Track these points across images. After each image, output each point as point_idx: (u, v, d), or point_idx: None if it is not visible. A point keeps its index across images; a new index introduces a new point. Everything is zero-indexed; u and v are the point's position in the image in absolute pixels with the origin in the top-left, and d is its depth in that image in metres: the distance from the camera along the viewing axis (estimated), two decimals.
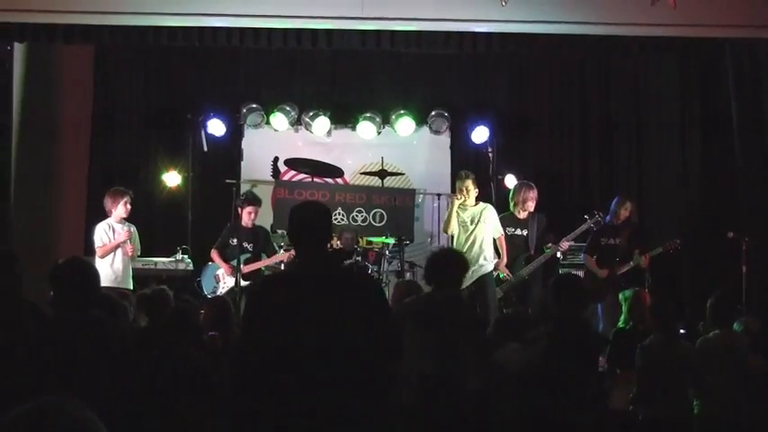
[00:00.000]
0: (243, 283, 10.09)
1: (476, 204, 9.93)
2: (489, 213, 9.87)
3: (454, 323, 5.88)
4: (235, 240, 10.46)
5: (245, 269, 10.16)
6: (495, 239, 9.88)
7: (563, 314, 6.08)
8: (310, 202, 5.01)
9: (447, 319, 5.89)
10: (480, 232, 9.73)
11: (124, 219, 9.88)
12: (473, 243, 9.63)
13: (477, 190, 9.92)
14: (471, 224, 9.76)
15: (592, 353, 6.32)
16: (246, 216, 10.48)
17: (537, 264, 10.00)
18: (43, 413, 2.04)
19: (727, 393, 6.67)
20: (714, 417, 6.66)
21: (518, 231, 10.19)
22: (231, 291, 10.05)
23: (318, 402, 4.10)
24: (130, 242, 9.80)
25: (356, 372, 4.18)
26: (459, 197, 9.86)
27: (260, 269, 10.36)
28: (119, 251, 9.73)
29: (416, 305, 6.18)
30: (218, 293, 10.04)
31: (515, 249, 10.08)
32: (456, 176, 10.33)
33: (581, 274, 10.51)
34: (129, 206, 9.87)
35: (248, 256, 10.32)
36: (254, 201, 10.58)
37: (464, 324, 5.93)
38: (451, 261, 6.35)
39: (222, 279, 10.47)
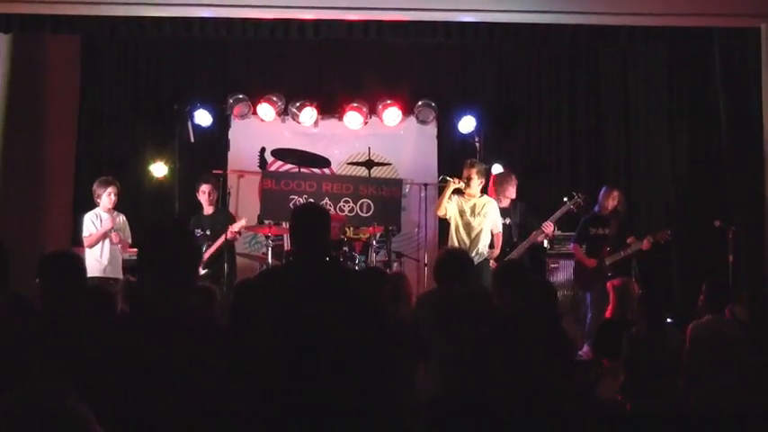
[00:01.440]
0: (201, 271, 10.10)
1: (480, 196, 9.95)
2: (492, 208, 9.89)
3: (473, 318, 5.87)
4: (199, 231, 10.41)
5: (204, 257, 10.10)
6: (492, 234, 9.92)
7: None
8: (310, 204, 5.03)
9: (466, 313, 5.89)
10: (479, 224, 9.76)
11: (111, 209, 9.89)
12: (470, 232, 9.70)
13: (482, 180, 9.93)
14: (471, 215, 9.78)
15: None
16: (201, 198, 10.42)
17: (521, 249, 10.01)
18: (30, 401, 2.04)
19: (718, 381, 6.69)
20: (704, 405, 6.69)
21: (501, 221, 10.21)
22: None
23: (313, 400, 4.12)
24: (117, 231, 9.78)
25: (353, 373, 4.20)
26: (457, 181, 9.88)
27: (218, 254, 10.23)
28: (107, 241, 9.72)
29: (432, 299, 6.18)
30: None
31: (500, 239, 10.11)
32: (453, 163, 10.39)
33: (571, 263, 10.59)
34: (113, 197, 9.86)
35: (208, 243, 10.19)
36: (203, 180, 10.51)
37: (482, 319, 5.91)
38: (457, 258, 6.37)
39: None
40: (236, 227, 10.18)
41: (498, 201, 10.18)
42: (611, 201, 10.24)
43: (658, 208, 12.15)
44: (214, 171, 11.09)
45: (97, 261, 9.56)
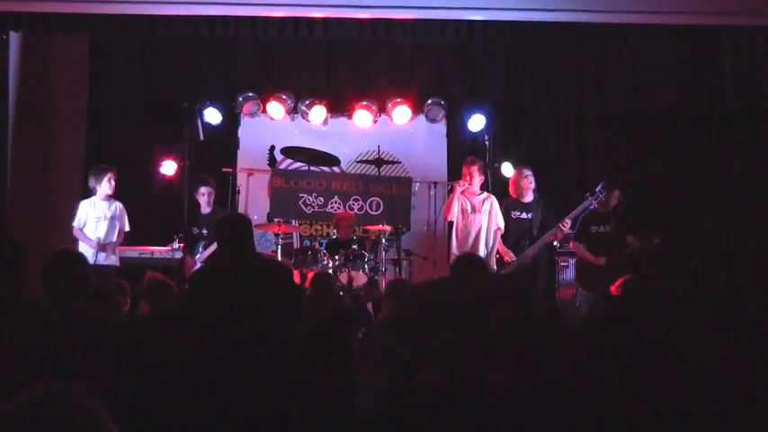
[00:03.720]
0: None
1: (480, 193, 9.95)
2: (493, 204, 9.88)
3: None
4: (195, 230, 10.43)
5: (202, 257, 10.17)
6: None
7: None
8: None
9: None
10: (481, 221, 9.75)
11: (110, 196, 9.86)
12: (471, 230, 9.67)
13: (482, 177, 9.94)
14: (472, 212, 9.78)
15: None
16: (200, 199, 10.47)
17: (540, 244, 9.94)
18: (46, 398, 2.04)
19: None
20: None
21: (523, 215, 10.14)
22: None
23: None
24: (107, 244, 9.75)
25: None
26: (462, 183, 9.89)
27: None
28: (99, 227, 9.70)
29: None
30: None
31: (519, 232, 10.04)
32: (463, 161, 10.37)
33: (573, 261, 10.58)
34: (113, 182, 9.84)
35: (205, 242, 10.26)
36: (203, 182, 10.58)
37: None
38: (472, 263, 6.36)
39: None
40: None
41: (523, 197, 10.14)
42: (613, 199, 10.18)
43: (667, 206, 12.09)
44: (223, 169, 11.12)
45: (90, 248, 9.53)
